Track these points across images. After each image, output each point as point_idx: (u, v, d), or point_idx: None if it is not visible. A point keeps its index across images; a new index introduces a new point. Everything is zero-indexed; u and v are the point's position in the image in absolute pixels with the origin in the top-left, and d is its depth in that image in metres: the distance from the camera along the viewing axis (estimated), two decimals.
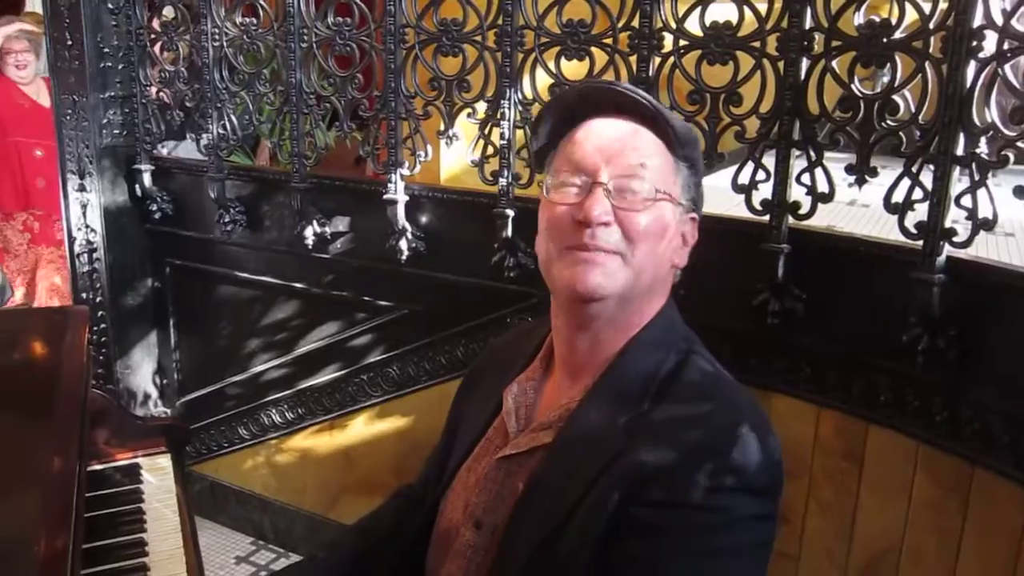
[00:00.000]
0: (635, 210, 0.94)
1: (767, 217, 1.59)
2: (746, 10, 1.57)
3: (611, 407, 0.94)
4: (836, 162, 1.53)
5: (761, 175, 1.59)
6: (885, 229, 1.80)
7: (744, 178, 1.61)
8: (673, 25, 1.64)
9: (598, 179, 0.94)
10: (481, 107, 1.88)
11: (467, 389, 1.18)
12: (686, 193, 1.00)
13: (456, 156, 2.29)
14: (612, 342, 0.98)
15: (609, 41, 1.71)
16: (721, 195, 1.76)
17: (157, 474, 1.47)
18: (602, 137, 0.97)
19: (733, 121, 1.62)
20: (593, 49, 1.72)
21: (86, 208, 2.41)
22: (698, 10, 1.62)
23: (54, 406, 1.22)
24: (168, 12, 2.32)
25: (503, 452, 1.01)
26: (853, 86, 1.48)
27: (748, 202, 1.61)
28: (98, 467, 1.46)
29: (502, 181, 1.86)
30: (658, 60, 1.66)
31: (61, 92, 2.37)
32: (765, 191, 1.59)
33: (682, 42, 1.63)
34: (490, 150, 1.88)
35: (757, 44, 1.57)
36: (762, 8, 1.55)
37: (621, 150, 0.95)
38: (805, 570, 1.69)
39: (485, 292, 2.00)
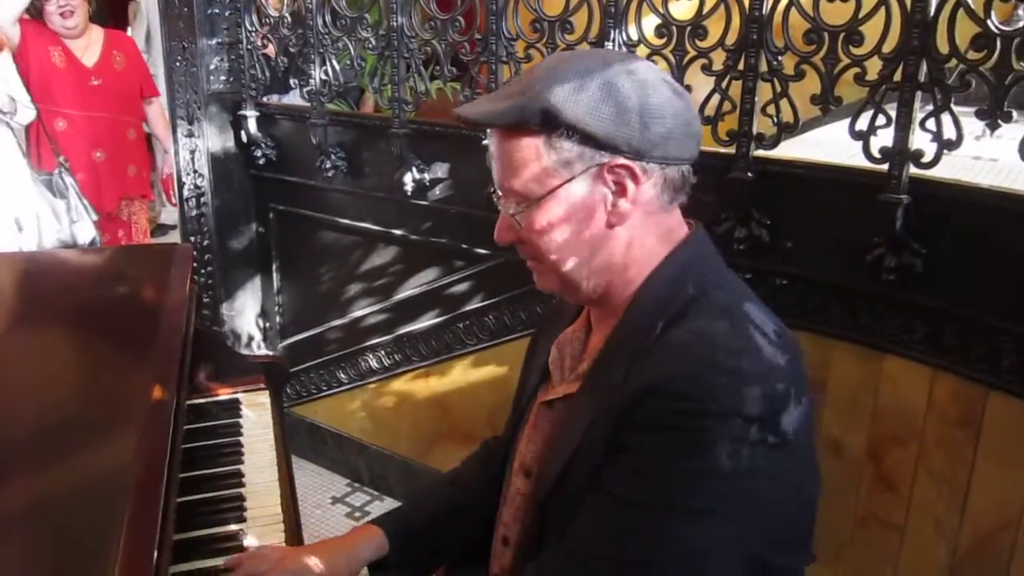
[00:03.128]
0: (519, 222, 0.94)
1: (886, 166, 1.48)
2: None
3: (623, 354, 0.93)
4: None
5: (881, 120, 1.48)
6: (1017, 185, 1.66)
7: (862, 124, 1.51)
8: None
9: (498, 196, 0.97)
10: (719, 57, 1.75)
11: (534, 343, 1.19)
12: (586, 154, 0.90)
13: None
14: (617, 298, 0.97)
15: None
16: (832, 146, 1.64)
17: (256, 410, 1.49)
18: (489, 157, 0.98)
19: (853, 62, 1.50)
20: None
21: (194, 153, 2.47)
22: None
23: (157, 339, 1.24)
24: None
25: (542, 398, 1.04)
26: (989, 22, 1.36)
27: (866, 149, 1.51)
28: (200, 401, 1.49)
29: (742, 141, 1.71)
30: None
31: (171, 39, 2.42)
32: (885, 138, 1.49)
33: None
34: (727, 106, 1.71)
35: None
36: None
37: (496, 169, 0.96)
38: (910, 541, 1.61)
39: None
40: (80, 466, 0.96)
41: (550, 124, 0.89)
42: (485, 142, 1.95)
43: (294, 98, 2.64)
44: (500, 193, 0.96)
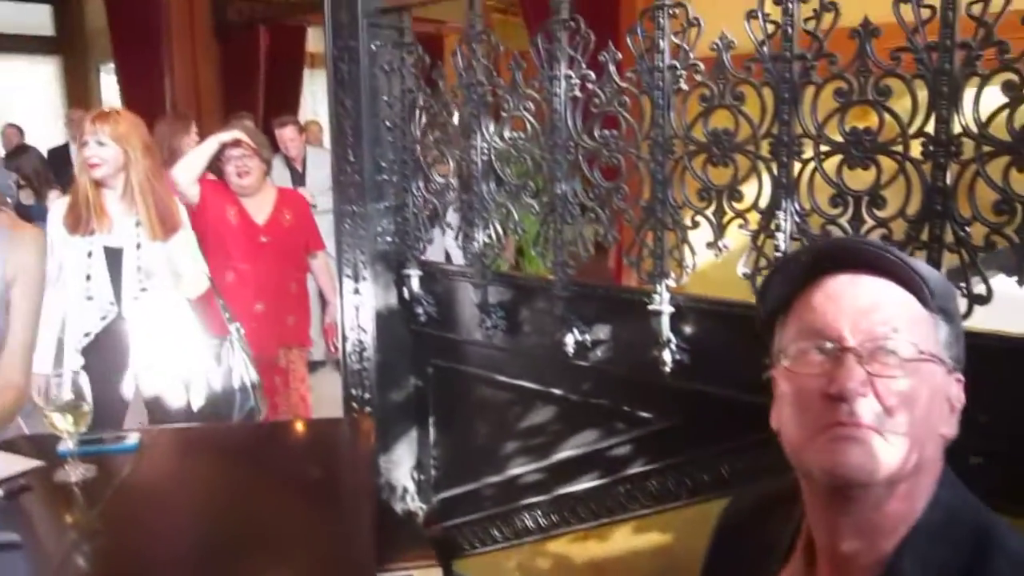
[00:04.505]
0: (893, 376, 0.83)
1: None
2: None
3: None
4: None
5: None
6: None
7: None
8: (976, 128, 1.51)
9: (846, 344, 0.85)
10: (754, 217, 1.81)
11: (719, 556, 1.10)
12: (948, 350, 0.88)
13: (725, 266, 2.23)
14: (883, 536, 0.87)
15: (900, 149, 1.60)
16: None
17: None
18: (846, 298, 0.88)
19: (878, 224, 1.56)
20: (881, 158, 1.62)
21: (359, 310, 2.56)
22: None
23: (344, 516, 1.26)
24: (440, 128, 2.45)
25: None
26: (1009, 190, 1.35)
27: None
28: None
29: None
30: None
31: (342, 202, 2.57)
32: None
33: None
34: (763, 262, 1.80)
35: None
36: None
37: (869, 311, 0.86)
38: None
39: (754, 410, 1.87)
40: None
41: (932, 299, 0.88)
42: (652, 306, 1.95)
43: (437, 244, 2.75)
44: (877, 335, 0.87)
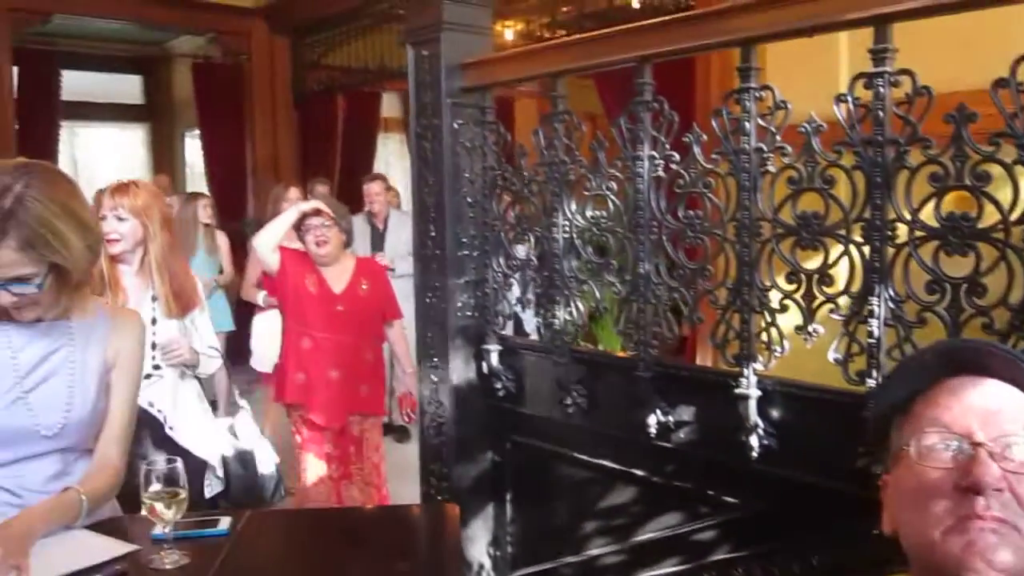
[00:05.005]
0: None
1: None
2: None
3: None
4: None
5: None
6: None
7: None
8: None
9: (977, 439, 0.84)
10: (845, 302, 1.78)
11: None
12: None
13: (814, 352, 2.18)
14: None
15: (1001, 235, 1.56)
16: None
17: None
18: (974, 397, 0.88)
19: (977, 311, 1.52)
20: (981, 245, 1.58)
21: (438, 385, 2.57)
22: None
23: None
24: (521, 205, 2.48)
25: None
26: None
27: None
28: None
29: (870, 382, 1.72)
30: None
31: (423, 276, 2.60)
32: None
33: None
34: (855, 348, 1.76)
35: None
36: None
37: (998, 412, 0.86)
38: None
39: (844, 500, 1.83)
40: None
41: None
42: (739, 390, 1.91)
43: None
44: (1005, 433, 0.86)
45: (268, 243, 3.37)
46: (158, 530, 1.47)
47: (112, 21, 7.48)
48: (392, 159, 9.98)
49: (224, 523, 1.59)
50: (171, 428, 2.46)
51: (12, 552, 1.34)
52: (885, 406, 0.97)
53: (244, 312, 5.50)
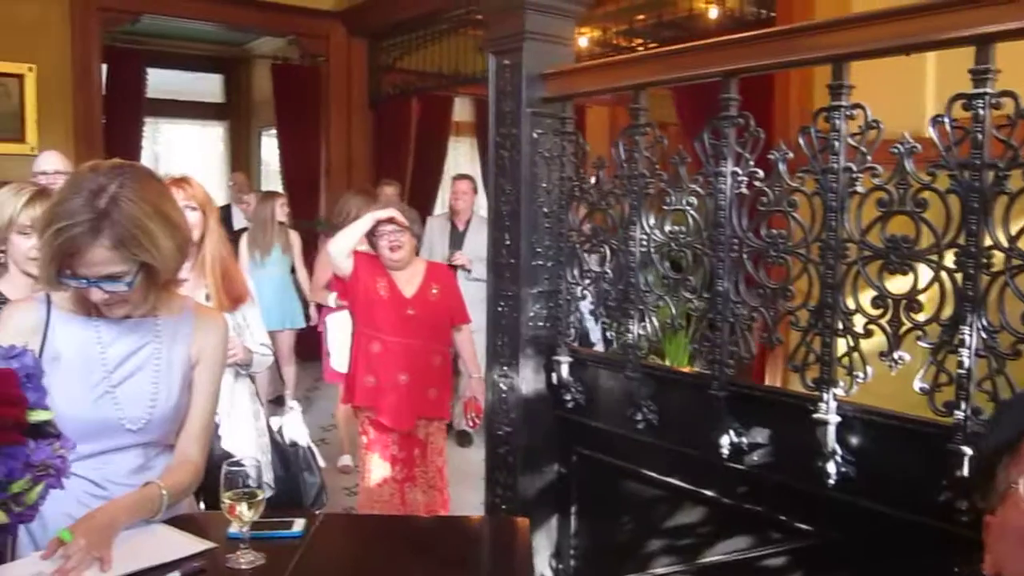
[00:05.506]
0: None
1: None
2: None
3: None
4: None
5: None
6: None
7: None
8: None
9: None
10: (934, 330, 1.72)
11: None
12: None
13: (898, 379, 2.12)
14: None
15: None
16: None
17: None
18: None
19: None
20: None
21: (507, 394, 2.57)
22: None
23: None
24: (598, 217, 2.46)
25: None
26: None
27: None
28: None
29: (958, 414, 1.66)
30: None
31: (497, 285, 2.60)
32: None
33: None
34: (943, 378, 1.70)
35: None
36: None
37: None
38: None
39: (925, 533, 1.77)
40: None
41: None
42: (818, 415, 1.87)
43: None
44: None
45: (343, 249, 3.41)
46: (234, 529, 1.49)
47: (197, 22, 7.68)
48: (462, 162, 10.04)
49: (298, 525, 1.61)
50: (219, 436, 2.48)
51: (95, 543, 1.38)
52: (993, 444, 0.93)
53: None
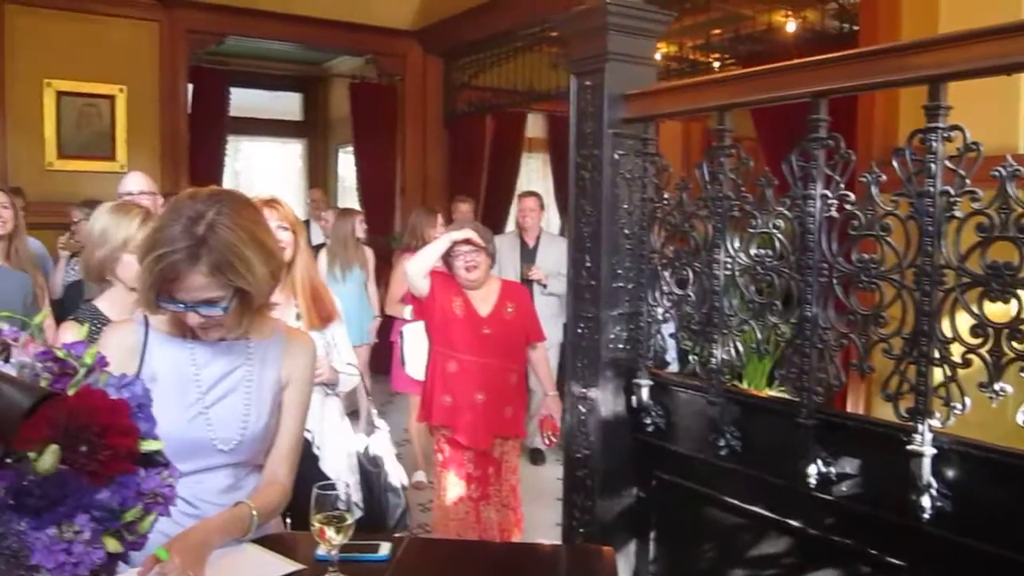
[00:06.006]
0: None
1: None
2: None
3: None
4: None
5: None
6: None
7: None
8: None
9: None
10: None
11: None
12: None
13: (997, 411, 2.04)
14: None
15: None
16: None
17: None
18: None
19: None
20: None
21: (586, 416, 2.55)
22: None
23: None
24: (681, 239, 2.43)
25: None
26: None
27: None
28: None
29: None
30: None
31: (576, 306, 2.59)
32: None
33: None
34: None
35: None
36: None
37: None
38: None
39: None
40: None
41: None
42: (912, 446, 1.80)
43: None
44: None
45: (420, 271, 3.45)
46: (322, 551, 1.50)
47: (277, 42, 7.88)
48: (534, 178, 10.07)
49: (384, 548, 1.61)
50: (318, 448, 2.52)
51: (190, 562, 1.41)
52: None
53: (384, 325, 5.68)
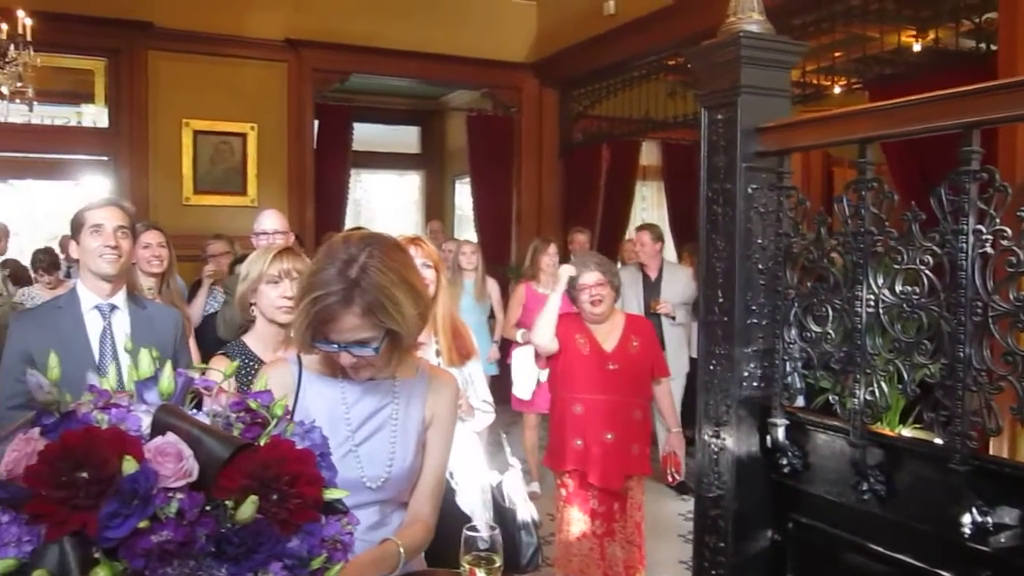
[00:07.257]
0: None
1: None
2: None
3: None
4: None
5: None
6: None
7: None
8: None
9: None
10: None
11: None
12: None
13: None
14: None
15: None
16: None
17: None
18: None
19: None
20: None
21: (718, 456, 2.50)
22: None
23: None
24: (819, 276, 2.37)
25: None
26: None
27: None
28: None
29: None
30: None
31: (708, 343, 2.54)
32: None
33: None
34: None
35: None
36: None
37: None
38: None
39: None
40: None
41: None
42: None
43: None
44: None
45: (546, 335, 3.46)
46: None
47: (398, 78, 8.13)
48: (648, 206, 10.00)
49: None
50: (457, 484, 2.54)
51: None
52: None
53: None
